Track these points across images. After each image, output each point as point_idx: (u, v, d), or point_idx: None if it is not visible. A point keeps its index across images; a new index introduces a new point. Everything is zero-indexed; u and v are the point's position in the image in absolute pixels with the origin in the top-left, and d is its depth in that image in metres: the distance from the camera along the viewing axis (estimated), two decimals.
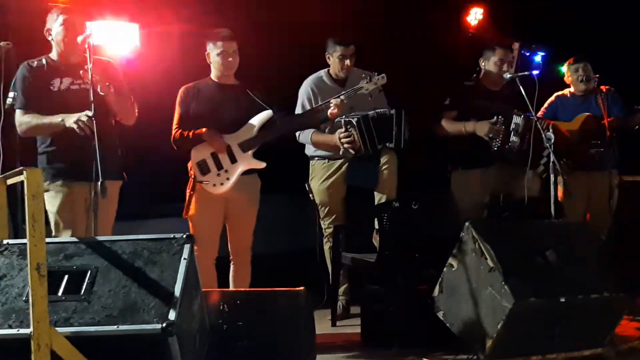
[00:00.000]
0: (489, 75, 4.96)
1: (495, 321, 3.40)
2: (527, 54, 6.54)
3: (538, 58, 6.75)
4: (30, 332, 2.54)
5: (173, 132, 4.25)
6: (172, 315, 2.71)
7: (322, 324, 4.38)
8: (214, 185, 4.17)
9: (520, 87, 4.47)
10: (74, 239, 3.08)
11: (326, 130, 4.67)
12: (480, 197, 4.93)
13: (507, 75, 4.74)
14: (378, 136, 4.58)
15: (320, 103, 4.53)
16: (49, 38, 3.89)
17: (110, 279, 2.86)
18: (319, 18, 5.70)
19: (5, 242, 3.02)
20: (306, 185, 4.81)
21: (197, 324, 3.04)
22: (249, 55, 4.40)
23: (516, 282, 3.38)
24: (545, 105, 5.21)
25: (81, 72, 3.62)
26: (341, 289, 4.85)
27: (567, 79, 5.24)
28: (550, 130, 4.46)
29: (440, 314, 3.71)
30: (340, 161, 4.75)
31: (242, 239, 4.33)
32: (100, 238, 3.11)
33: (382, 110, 4.63)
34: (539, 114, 4.68)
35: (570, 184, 4.62)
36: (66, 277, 2.86)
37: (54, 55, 3.90)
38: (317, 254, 4.78)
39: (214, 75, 4.35)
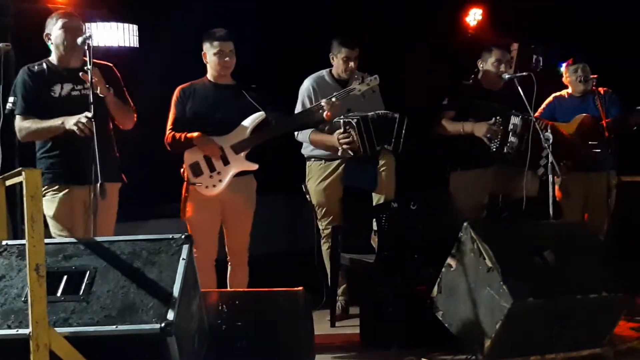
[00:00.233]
0: (487, 76, 4.97)
1: (494, 321, 3.40)
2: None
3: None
4: (29, 333, 2.55)
5: (166, 133, 4.25)
6: (170, 315, 2.72)
7: (321, 325, 4.39)
8: (207, 187, 4.17)
9: (519, 87, 4.48)
10: (73, 240, 3.08)
11: (325, 129, 4.68)
12: (479, 198, 4.93)
13: (506, 76, 4.74)
14: (377, 138, 4.58)
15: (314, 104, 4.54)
16: (49, 43, 3.88)
17: (109, 280, 2.86)
18: (319, 18, 5.74)
19: (4, 242, 3.03)
20: (303, 186, 4.82)
21: (196, 324, 3.05)
22: (247, 55, 4.42)
23: (514, 282, 3.39)
24: (543, 106, 5.21)
25: (81, 74, 3.62)
26: (340, 290, 4.85)
27: (566, 79, 5.25)
28: (549, 130, 4.47)
29: (439, 314, 3.71)
30: (337, 162, 4.75)
31: (239, 240, 4.33)
32: (99, 238, 3.11)
33: (382, 112, 4.64)
34: (536, 114, 4.68)
35: (569, 185, 4.63)
36: (65, 277, 2.87)
37: (53, 59, 3.90)
38: (315, 255, 4.78)
39: (210, 75, 4.35)
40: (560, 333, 3.51)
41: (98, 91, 3.61)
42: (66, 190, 3.80)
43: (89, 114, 3.53)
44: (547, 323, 3.49)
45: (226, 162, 4.19)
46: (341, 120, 4.55)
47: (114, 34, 5.01)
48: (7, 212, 3.23)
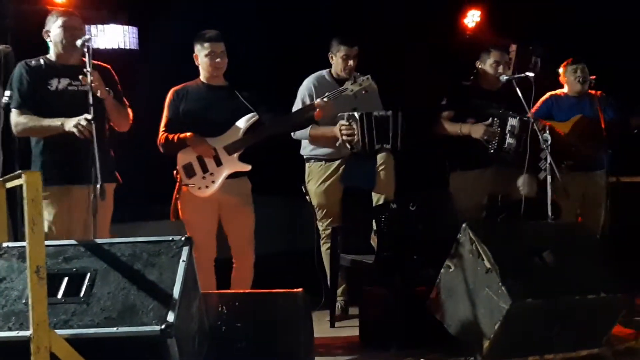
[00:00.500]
0: (485, 77, 4.98)
1: (493, 322, 3.40)
2: None
3: None
4: (30, 335, 2.56)
5: (160, 134, 4.26)
6: (170, 317, 2.73)
7: (321, 325, 4.40)
8: (199, 188, 4.18)
9: (517, 88, 4.49)
10: (73, 242, 3.09)
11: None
12: (479, 198, 4.95)
13: (504, 77, 4.75)
14: (377, 136, 4.60)
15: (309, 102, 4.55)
16: (48, 40, 3.90)
17: (109, 281, 2.88)
18: (319, 18, 5.73)
19: (4, 245, 3.04)
20: (302, 187, 4.83)
21: (196, 325, 3.06)
22: (247, 55, 4.42)
23: (513, 282, 3.39)
24: (539, 102, 5.15)
25: (81, 77, 3.63)
26: (339, 290, 4.85)
27: (563, 79, 5.24)
28: (547, 131, 4.47)
29: (437, 316, 3.71)
30: (337, 162, 4.77)
31: (241, 240, 4.33)
32: (99, 241, 3.12)
33: (384, 112, 4.66)
34: (532, 110, 4.67)
35: (568, 185, 4.62)
36: (65, 279, 2.88)
37: (51, 56, 3.91)
38: (314, 256, 4.79)
39: (202, 76, 4.35)
40: (559, 333, 3.52)
41: (98, 94, 3.62)
42: (64, 191, 3.80)
43: (89, 116, 3.53)
44: (546, 323, 3.49)
45: (219, 163, 4.20)
46: (345, 114, 4.58)
47: (114, 36, 5.01)
48: (7, 214, 3.24)
